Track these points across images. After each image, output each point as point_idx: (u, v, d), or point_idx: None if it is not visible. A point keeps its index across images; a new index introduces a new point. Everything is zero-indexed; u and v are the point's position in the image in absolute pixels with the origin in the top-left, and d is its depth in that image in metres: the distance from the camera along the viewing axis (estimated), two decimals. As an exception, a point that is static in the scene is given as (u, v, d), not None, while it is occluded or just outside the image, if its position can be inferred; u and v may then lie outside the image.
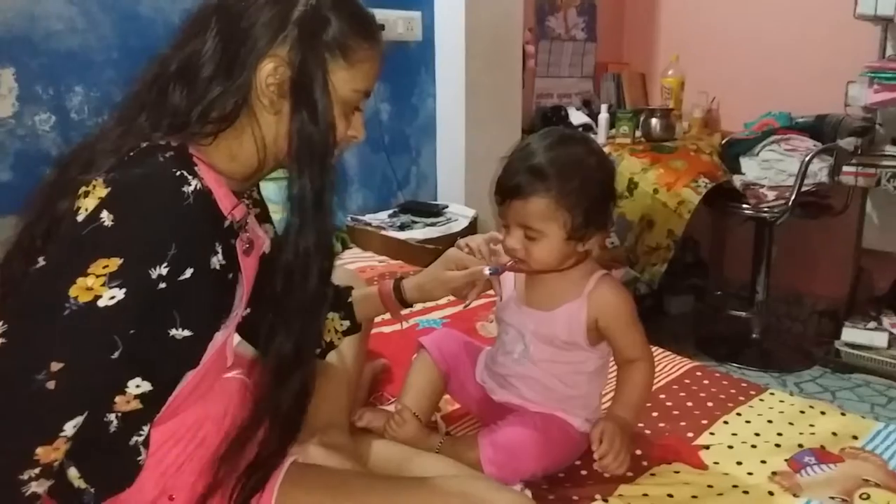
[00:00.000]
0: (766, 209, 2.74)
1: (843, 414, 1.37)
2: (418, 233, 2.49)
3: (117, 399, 0.82)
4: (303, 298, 0.89)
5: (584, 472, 1.18)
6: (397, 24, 2.65)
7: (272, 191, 1.02)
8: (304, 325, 0.90)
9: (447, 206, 2.72)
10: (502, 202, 1.12)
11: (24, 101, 1.92)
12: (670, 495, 1.11)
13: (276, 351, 0.89)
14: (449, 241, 2.47)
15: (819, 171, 2.68)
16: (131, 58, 2.08)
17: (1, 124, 1.89)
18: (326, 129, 0.86)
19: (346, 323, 1.18)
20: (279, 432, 0.91)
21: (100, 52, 2.03)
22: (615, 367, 1.20)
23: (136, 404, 0.83)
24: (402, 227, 2.53)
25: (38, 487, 0.74)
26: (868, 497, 1.10)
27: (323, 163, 0.86)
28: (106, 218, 0.73)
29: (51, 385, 0.71)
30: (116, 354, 0.76)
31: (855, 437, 1.27)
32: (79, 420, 0.74)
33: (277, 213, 1.04)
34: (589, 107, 3.36)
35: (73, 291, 0.72)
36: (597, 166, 1.12)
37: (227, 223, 0.86)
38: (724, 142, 2.97)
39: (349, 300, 1.18)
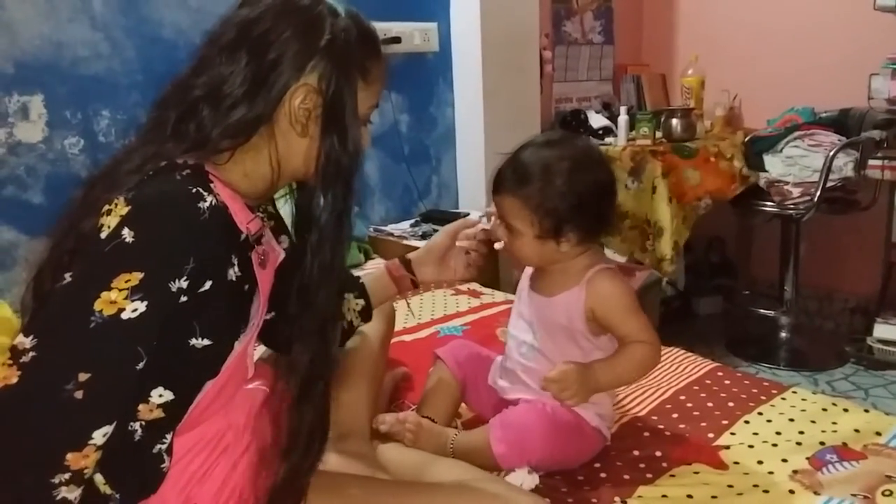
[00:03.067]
0: (791, 206, 2.71)
1: (866, 410, 1.36)
2: (440, 241, 2.51)
3: (140, 407, 0.85)
4: (317, 313, 0.92)
5: (603, 475, 1.19)
6: (414, 35, 2.68)
7: (279, 205, 1.06)
8: (320, 338, 0.93)
9: (468, 214, 2.73)
10: (492, 195, 1.20)
11: (54, 126, 1.98)
12: (690, 496, 1.11)
13: (294, 365, 0.92)
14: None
15: (844, 165, 2.64)
16: (155, 81, 2.08)
17: (32, 149, 1.95)
18: (355, 152, 0.91)
19: (361, 302, 1.22)
20: (306, 446, 0.92)
21: (125, 76, 2.09)
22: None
23: (158, 413, 0.86)
24: (424, 237, 2.55)
25: (69, 494, 0.77)
26: (891, 493, 1.09)
27: (347, 184, 0.91)
28: (127, 235, 0.77)
29: (79, 395, 0.75)
30: (141, 365, 0.79)
31: (878, 434, 1.26)
32: (108, 430, 0.78)
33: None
34: (609, 109, 3.34)
35: (97, 305, 0.76)
36: (567, 171, 1.12)
37: (242, 237, 0.90)
38: (746, 139, 2.95)
39: (360, 281, 1.22)
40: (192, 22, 2.20)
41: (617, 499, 1.11)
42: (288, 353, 0.95)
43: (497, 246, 1.22)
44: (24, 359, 0.75)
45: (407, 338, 1.76)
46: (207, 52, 0.89)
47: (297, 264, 1.03)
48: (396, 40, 2.54)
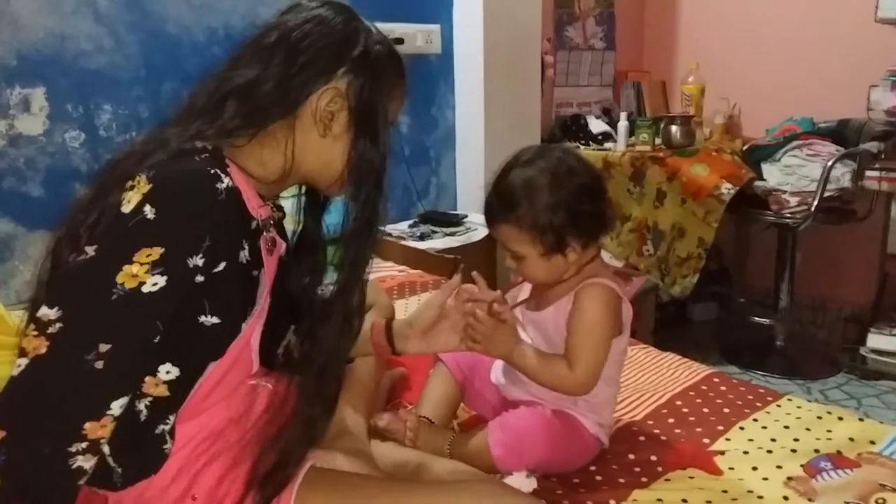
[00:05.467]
0: (788, 215, 2.73)
1: (861, 419, 1.36)
2: (438, 242, 2.52)
3: (147, 380, 0.86)
4: (342, 313, 0.95)
5: (598, 478, 1.19)
6: (417, 37, 2.69)
7: (287, 205, 1.07)
8: (341, 337, 0.97)
9: (466, 216, 2.74)
10: (490, 228, 1.20)
11: (55, 119, 1.98)
12: (685, 500, 1.12)
13: (313, 363, 0.95)
14: (468, 250, 2.50)
15: (842, 176, 2.66)
16: (157, 76, 2.14)
17: (32, 142, 1.95)
18: (384, 155, 0.96)
19: None
20: (304, 440, 0.95)
21: (127, 70, 2.10)
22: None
23: (163, 390, 0.88)
24: (422, 237, 2.56)
25: (85, 463, 0.78)
26: (884, 502, 1.10)
27: (378, 185, 0.96)
28: (149, 211, 0.80)
29: (99, 365, 0.77)
30: (158, 339, 0.82)
31: (872, 443, 1.26)
32: (124, 401, 0.80)
33: (290, 224, 1.09)
34: (609, 115, 3.36)
35: (119, 278, 0.78)
36: (549, 185, 1.11)
37: (253, 222, 0.92)
38: (745, 148, 2.97)
39: None
40: (195, 18, 2.20)
41: (612, 502, 1.11)
42: (302, 355, 0.98)
43: (497, 308, 1.16)
44: (52, 329, 0.77)
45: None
46: (246, 51, 0.95)
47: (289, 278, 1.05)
48: (399, 41, 2.55)
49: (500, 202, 1.14)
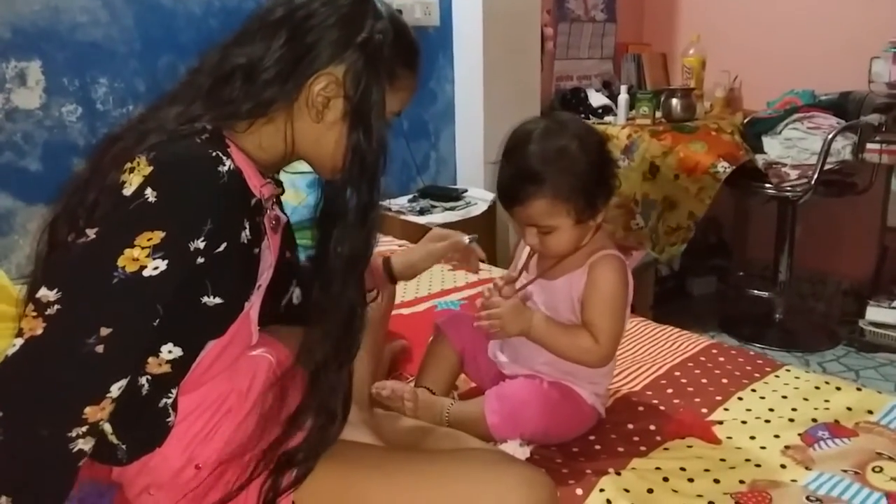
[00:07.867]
0: (788, 188, 2.72)
1: (858, 389, 1.37)
2: (438, 217, 2.52)
3: (150, 360, 0.87)
4: (341, 305, 0.94)
5: (597, 447, 1.21)
6: (415, 9, 2.67)
7: (300, 181, 1.06)
8: (343, 330, 0.95)
9: (466, 191, 2.74)
10: (507, 208, 1.16)
11: (51, 93, 1.97)
12: (683, 469, 1.13)
13: (317, 355, 0.94)
14: (468, 225, 2.50)
15: (842, 148, 2.65)
16: (154, 49, 2.12)
17: (29, 116, 1.94)
18: (379, 150, 0.93)
19: None
20: (322, 428, 0.94)
21: (123, 43, 2.08)
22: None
23: (166, 368, 0.88)
24: (422, 212, 2.56)
25: (84, 445, 0.79)
26: (881, 470, 1.11)
27: (373, 179, 0.93)
28: (150, 194, 0.79)
29: (100, 349, 0.77)
30: (158, 321, 0.82)
31: (870, 412, 1.28)
32: (123, 383, 0.80)
33: (293, 201, 1.08)
34: (609, 88, 3.34)
35: (121, 262, 0.78)
36: (580, 150, 1.11)
37: (254, 200, 0.91)
38: (745, 121, 2.95)
39: None
40: (191, -10, 2.18)
41: (611, 470, 1.12)
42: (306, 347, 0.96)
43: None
44: (50, 311, 0.77)
45: (405, 311, 1.77)
46: (252, 25, 0.92)
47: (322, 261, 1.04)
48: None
49: (529, 178, 1.11)
